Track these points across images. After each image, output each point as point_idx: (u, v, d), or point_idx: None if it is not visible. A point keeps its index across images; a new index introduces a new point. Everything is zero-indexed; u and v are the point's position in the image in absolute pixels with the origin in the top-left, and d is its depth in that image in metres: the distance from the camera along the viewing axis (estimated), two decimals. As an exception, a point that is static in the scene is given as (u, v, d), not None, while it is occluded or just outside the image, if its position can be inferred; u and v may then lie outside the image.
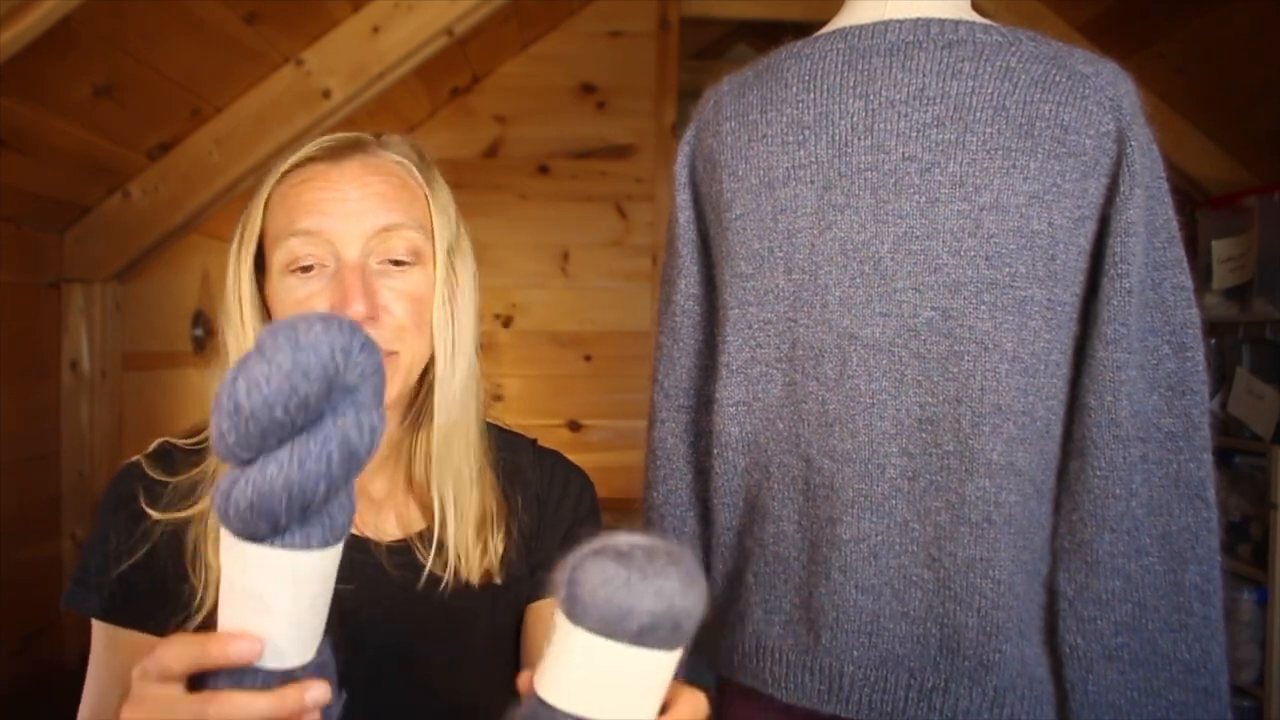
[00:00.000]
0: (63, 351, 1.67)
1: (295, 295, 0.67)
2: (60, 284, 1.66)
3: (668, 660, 0.48)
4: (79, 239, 1.66)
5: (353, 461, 0.47)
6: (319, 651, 0.51)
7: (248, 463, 0.47)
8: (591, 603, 0.46)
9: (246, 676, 0.47)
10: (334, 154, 0.69)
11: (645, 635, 0.46)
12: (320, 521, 0.48)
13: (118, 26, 1.30)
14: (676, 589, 0.46)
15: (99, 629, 0.69)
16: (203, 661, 0.47)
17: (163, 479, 0.70)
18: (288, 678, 0.48)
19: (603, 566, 0.47)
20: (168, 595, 0.68)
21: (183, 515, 0.68)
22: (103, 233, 1.66)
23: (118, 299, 1.74)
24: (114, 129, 1.52)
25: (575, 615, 0.47)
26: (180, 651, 0.47)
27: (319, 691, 0.47)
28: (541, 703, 0.48)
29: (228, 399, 0.45)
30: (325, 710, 0.49)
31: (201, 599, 0.67)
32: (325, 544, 0.48)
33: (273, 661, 0.48)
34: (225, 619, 0.48)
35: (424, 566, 0.72)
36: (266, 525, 0.46)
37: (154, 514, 0.68)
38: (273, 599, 0.47)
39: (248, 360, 0.46)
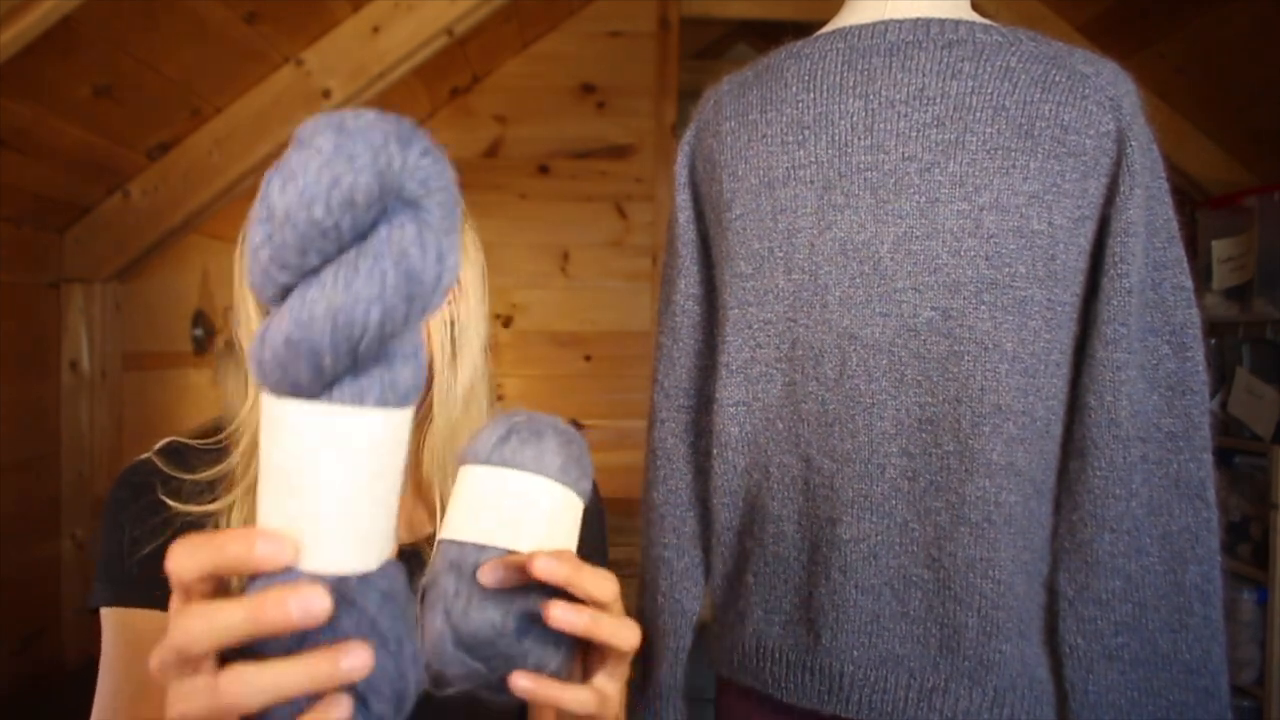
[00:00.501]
0: (62, 351, 1.67)
1: None
2: (60, 284, 1.66)
3: (539, 484, 0.49)
4: (79, 239, 1.66)
5: (414, 288, 0.37)
6: (384, 567, 0.40)
7: (281, 293, 0.38)
8: (467, 444, 0.50)
9: (284, 581, 0.38)
10: None
11: (510, 458, 0.49)
12: (376, 374, 0.38)
13: (118, 26, 1.30)
14: (544, 427, 0.51)
15: (113, 618, 0.67)
16: (219, 562, 0.38)
17: (178, 475, 0.68)
18: (339, 587, 0.38)
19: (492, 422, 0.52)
20: None
21: (204, 510, 0.67)
22: (103, 233, 1.66)
23: (118, 299, 1.74)
24: (114, 129, 1.52)
25: (459, 461, 0.51)
26: (189, 554, 0.39)
27: (357, 659, 0.37)
28: (438, 545, 0.50)
29: (261, 204, 0.37)
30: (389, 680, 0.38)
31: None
32: (383, 404, 0.38)
33: (315, 562, 0.38)
34: (261, 513, 0.39)
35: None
36: (307, 370, 0.37)
37: (174, 505, 0.66)
38: (314, 476, 0.37)
39: (283, 160, 0.37)
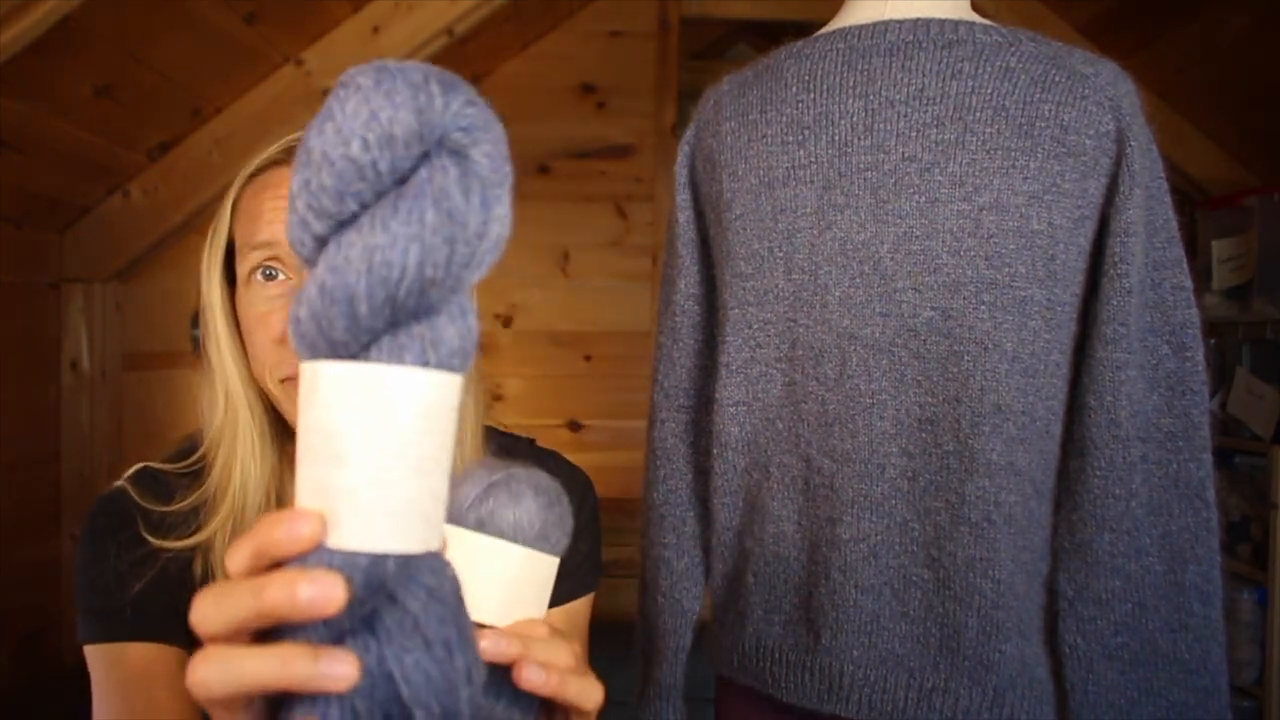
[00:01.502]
0: (63, 351, 1.67)
1: (254, 311, 0.63)
2: (60, 284, 1.66)
3: (512, 552, 0.48)
4: (79, 239, 1.66)
5: (456, 231, 0.34)
6: (430, 559, 0.36)
7: (322, 244, 0.36)
8: (452, 500, 0.48)
9: (312, 560, 0.34)
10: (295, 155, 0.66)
11: (485, 521, 0.48)
12: (417, 332, 0.35)
13: (118, 26, 1.30)
14: (522, 486, 0.49)
15: (105, 654, 0.64)
16: (263, 552, 0.35)
17: (157, 508, 0.66)
18: (373, 570, 0.34)
19: (464, 469, 0.50)
20: (183, 619, 0.63)
21: (187, 544, 0.65)
22: (103, 233, 1.66)
23: (118, 299, 1.74)
24: (114, 129, 1.52)
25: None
26: (239, 551, 0.35)
27: (339, 666, 0.33)
28: None
29: (300, 151, 0.35)
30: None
31: None
32: (423, 363, 0.35)
33: (354, 539, 0.34)
34: (299, 490, 0.36)
35: None
36: (342, 322, 0.34)
37: (157, 542, 0.65)
38: (347, 442, 0.34)
39: (320, 111, 0.36)
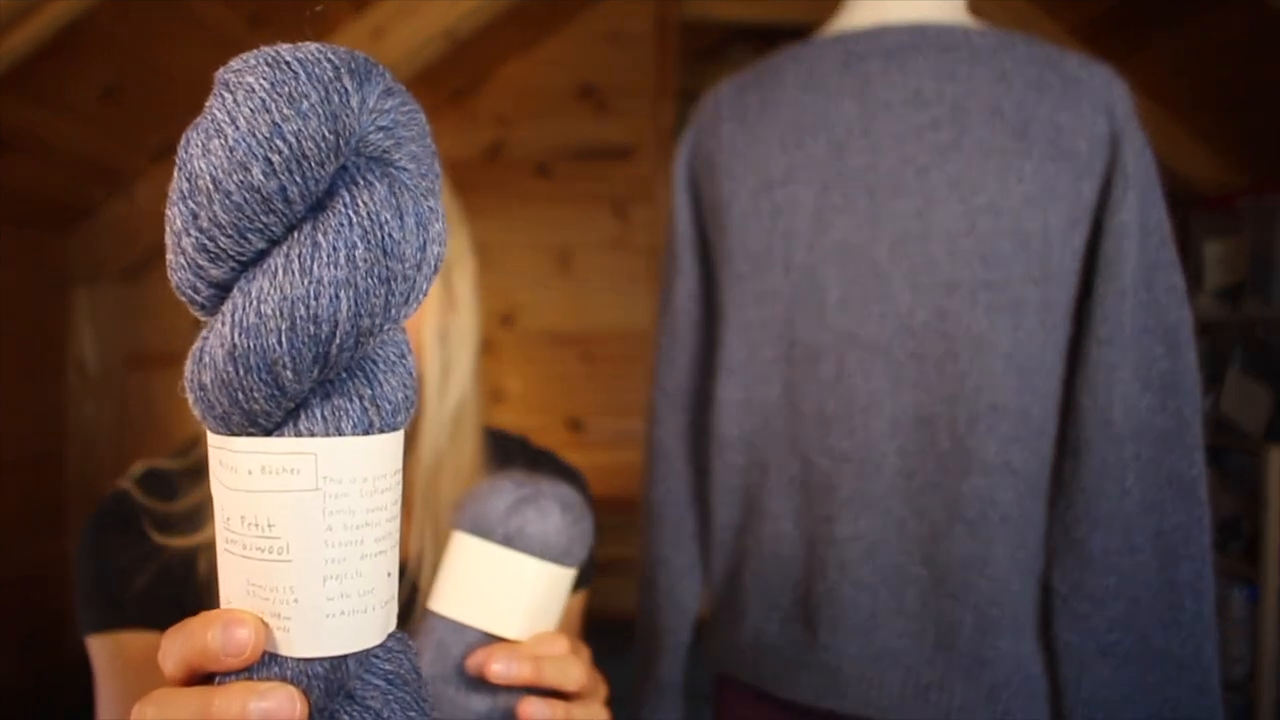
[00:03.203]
0: (68, 352, 1.68)
1: None
2: (66, 285, 1.67)
3: (538, 568, 0.48)
4: (84, 240, 1.66)
5: (393, 266, 0.28)
6: (389, 643, 0.31)
7: (223, 294, 0.29)
8: (467, 504, 0.49)
9: (261, 673, 0.29)
10: None
11: (513, 537, 0.48)
12: (354, 390, 0.29)
13: (122, 29, 1.31)
14: (550, 502, 0.49)
15: (105, 644, 0.64)
16: (187, 656, 0.31)
17: (160, 508, 0.66)
18: (331, 675, 0.29)
19: (487, 479, 0.50)
20: (185, 615, 0.63)
21: (191, 542, 0.65)
22: (108, 234, 1.67)
23: (123, 300, 1.75)
24: (119, 131, 1.53)
25: (455, 520, 0.49)
26: (168, 643, 0.32)
27: (273, 701, 0.28)
28: (426, 613, 0.49)
29: (179, 175, 0.28)
30: None
31: None
32: (365, 429, 0.29)
33: (306, 645, 0.29)
34: (225, 584, 0.30)
35: (418, 589, 0.67)
36: (262, 391, 0.27)
37: (161, 539, 0.64)
38: (284, 534, 0.28)
39: (205, 108, 0.28)
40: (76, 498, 1.69)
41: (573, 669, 0.48)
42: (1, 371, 1.48)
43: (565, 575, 0.50)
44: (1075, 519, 0.78)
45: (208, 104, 0.28)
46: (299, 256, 0.27)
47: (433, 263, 0.30)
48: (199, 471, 0.67)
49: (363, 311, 0.28)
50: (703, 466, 0.93)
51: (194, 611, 0.45)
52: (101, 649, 0.65)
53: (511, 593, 0.48)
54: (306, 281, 0.27)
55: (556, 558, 0.49)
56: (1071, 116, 0.77)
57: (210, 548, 0.65)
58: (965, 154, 0.77)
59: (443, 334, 0.67)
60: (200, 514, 0.66)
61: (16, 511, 1.53)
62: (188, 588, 0.65)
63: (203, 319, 0.30)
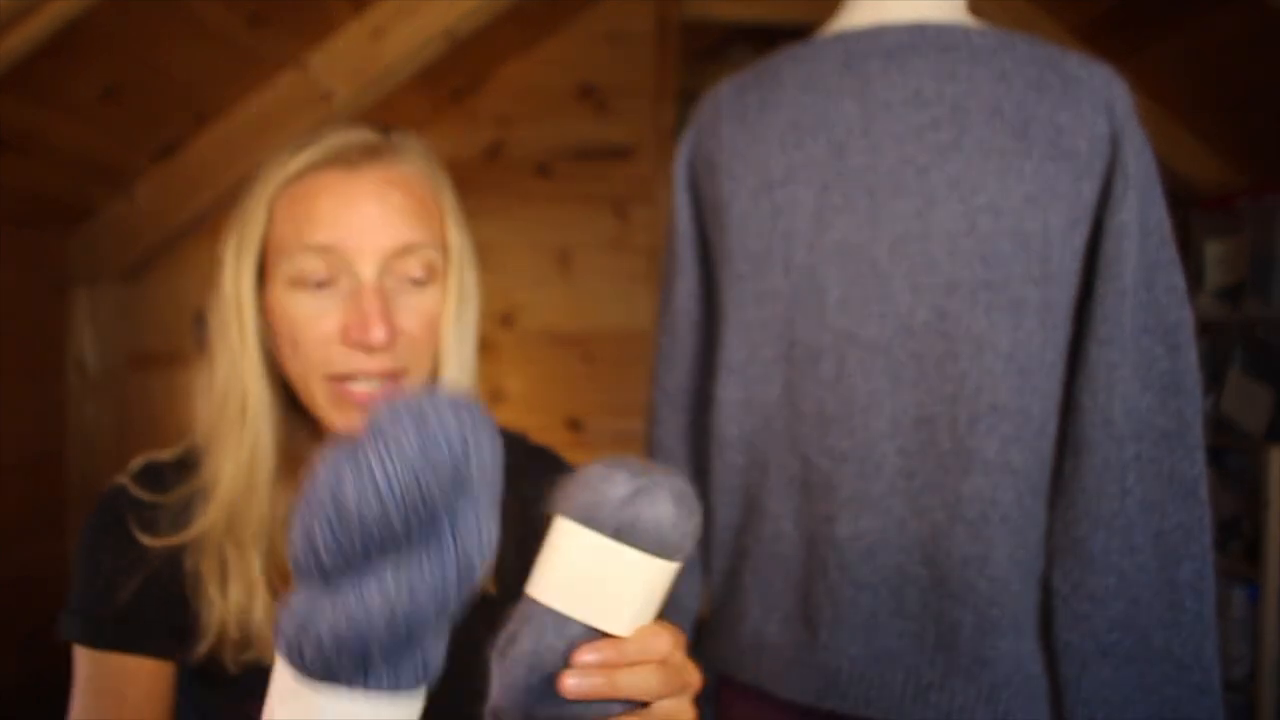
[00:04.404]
0: (68, 352, 1.68)
1: (304, 311, 0.63)
2: (65, 285, 1.67)
3: (648, 564, 0.47)
4: (84, 240, 1.67)
5: (468, 577, 0.38)
6: None
7: (331, 579, 0.37)
8: (576, 492, 0.47)
9: None
10: (348, 161, 0.64)
11: (625, 530, 0.46)
12: (412, 656, 0.38)
13: (122, 29, 1.31)
14: (664, 495, 0.47)
15: (87, 657, 0.66)
16: None
17: (152, 500, 0.67)
18: None
19: (597, 466, 0.48)
20: (170, 623, 0.65)
21: (178, 540, 0.65)
22: (107, 234, 1.67)
23: (123, 300, 1.75)
24: (118, 131, 1.53)
25: (561, 506, 0.47)
26: None
27: None
28: (527, 598, 0.47)
29: (329, 498, 0.36)
30: None
31: (205, 625, 0.64)
32: (414, 685, 0.38)
33: None
34: None
35: None
36: (352, 665, 0.36)
37: (147, 540, 0.65)
38: None
39: (358, 449, 0.36)
40: (76, 498, 1.69)
41: (652, 677, 0.47)
42: (1, 371, 1.49)
43: (673, 569, 0.49)
44: (1076, 519, 0.78)
45: (360, 440, 0.36)
46: (409, 579, 0.37)
47: (489, 559, 0.39)
48: (191, 467, 0.67)
49: (442, 612, 0.38)
50: (703, 466, 0.93)
51: (182, 614, 0.47)
52: (82, 661, 0.66)
53: (620, 589, 0.47)
54: (412, 601, 0.36)
55: (667, 553, 0.47)
56: (1071, 116, 0.77)
57: (196, 546, 0.65)
58: (965, 154, 0.77)
59: (460, 334, 0.68)
60: (188, 510, 0.66)
61: (16, 512, 1.53)
62: (171, 591, 0.66)
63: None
